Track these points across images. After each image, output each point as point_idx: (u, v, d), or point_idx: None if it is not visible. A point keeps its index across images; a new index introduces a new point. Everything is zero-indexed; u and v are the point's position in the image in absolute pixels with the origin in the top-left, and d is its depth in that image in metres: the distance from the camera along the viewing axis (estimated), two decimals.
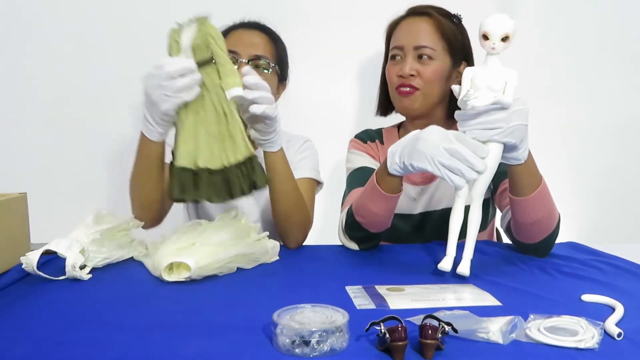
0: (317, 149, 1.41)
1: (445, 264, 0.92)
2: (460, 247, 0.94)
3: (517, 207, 1.01)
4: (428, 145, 0.89)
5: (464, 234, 0.94)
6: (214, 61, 0.95)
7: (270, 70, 1.26)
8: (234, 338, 0.65)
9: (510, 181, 1.00)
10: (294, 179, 1.18)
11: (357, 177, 1.28)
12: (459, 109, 0.93)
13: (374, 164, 1.33)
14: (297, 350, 0.59)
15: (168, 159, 1.04)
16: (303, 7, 1.71)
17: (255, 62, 1.24)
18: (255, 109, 0.96)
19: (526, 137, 0.91)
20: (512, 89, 0.91)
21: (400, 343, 0.58)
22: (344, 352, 0.60)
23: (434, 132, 0.91)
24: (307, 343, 0.59)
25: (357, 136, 1.41)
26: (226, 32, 1.29)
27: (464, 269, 0.91)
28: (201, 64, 0.95)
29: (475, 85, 0.91)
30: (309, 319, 0.63)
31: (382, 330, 0.59)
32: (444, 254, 0.92)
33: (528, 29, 1.72)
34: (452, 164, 0.87)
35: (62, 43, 1.65)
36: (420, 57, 1.23)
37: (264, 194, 1.27)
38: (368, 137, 1.40)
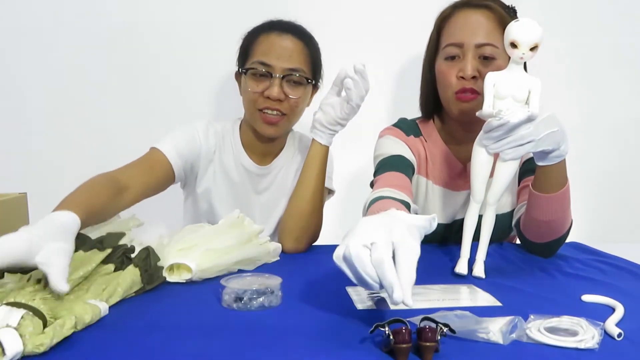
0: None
1: (462, 269, 0.93)
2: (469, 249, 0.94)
3: (538, 203, 1.00)
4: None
5: (476, 236, 0.94)
6: None
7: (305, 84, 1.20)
8: (233, 338, 0.65)
9: (539, 177, 0.98)
10: (323, 182, 1.19)
11: (394, 162, 1.14)
12: None
13: (413, 159, 1.18)
14: (234, 305, 0.75)
15: None
16: (324, 9, 1.67)
17: (289, 77, 1.17)
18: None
19: (564, 138, 0.89)
20: (538, 98, 0.88)
21: (404, 345, 0.58)
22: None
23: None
24: (240, 299, 0.74)
25: (397, 125, 1.25)
26: (256, 34, 1.21)
27: (480, 272, 0.92)
28: None
29: (498, 94, 0.89)
30: (248, 283, 0.77)
31: (387, 332, 0.59)
32: (443, 254, 0.92)
33: None
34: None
35: (63, 44, 1.65)
36: (482, 56, 1.08)
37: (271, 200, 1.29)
38: (411, 131, 1.23)
